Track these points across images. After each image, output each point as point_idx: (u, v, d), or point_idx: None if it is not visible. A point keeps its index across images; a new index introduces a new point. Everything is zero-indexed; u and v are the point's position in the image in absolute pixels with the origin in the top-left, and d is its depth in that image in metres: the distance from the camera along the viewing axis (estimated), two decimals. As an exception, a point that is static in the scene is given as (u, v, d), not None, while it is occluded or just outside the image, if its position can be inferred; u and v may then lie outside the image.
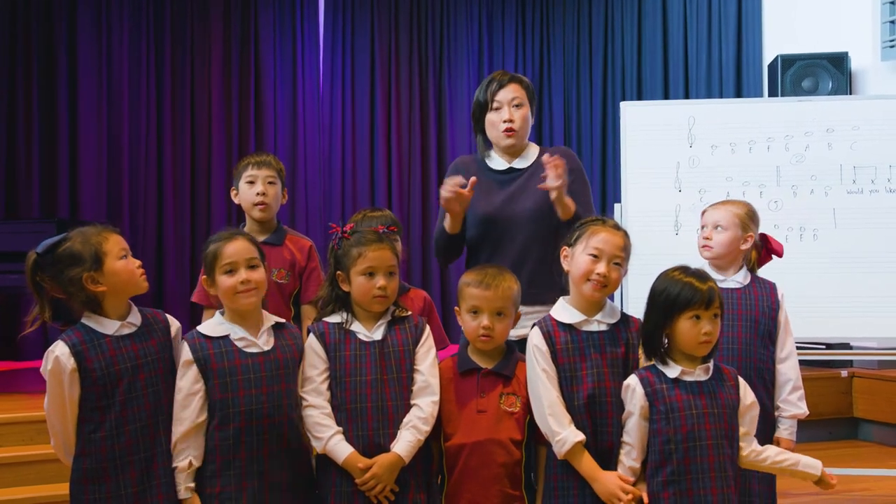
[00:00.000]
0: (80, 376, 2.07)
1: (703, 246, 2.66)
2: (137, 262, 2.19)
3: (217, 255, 2.18)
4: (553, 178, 2.50)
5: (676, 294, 2.10)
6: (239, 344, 2.17)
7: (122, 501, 2.09)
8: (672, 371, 2.11)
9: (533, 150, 2.81)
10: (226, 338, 2.18)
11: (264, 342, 2.20)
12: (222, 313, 2.23)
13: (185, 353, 2.17)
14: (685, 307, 2.08)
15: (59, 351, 2.08)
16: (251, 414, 2.13)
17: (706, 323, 2.08)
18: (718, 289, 2.13)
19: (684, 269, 2.16)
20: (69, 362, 2.06)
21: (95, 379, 2.08)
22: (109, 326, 2.13)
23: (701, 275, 2.15)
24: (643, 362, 2.21)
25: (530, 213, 2.67)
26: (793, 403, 2.56)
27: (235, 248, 2.18)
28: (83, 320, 2.14)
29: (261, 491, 2.13)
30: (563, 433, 2.11)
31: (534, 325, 2.26)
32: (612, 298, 2.51)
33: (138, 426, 2.11)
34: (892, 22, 5.03)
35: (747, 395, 2.16)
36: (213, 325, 2.21)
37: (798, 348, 2.68)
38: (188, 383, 2.15)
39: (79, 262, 2.10)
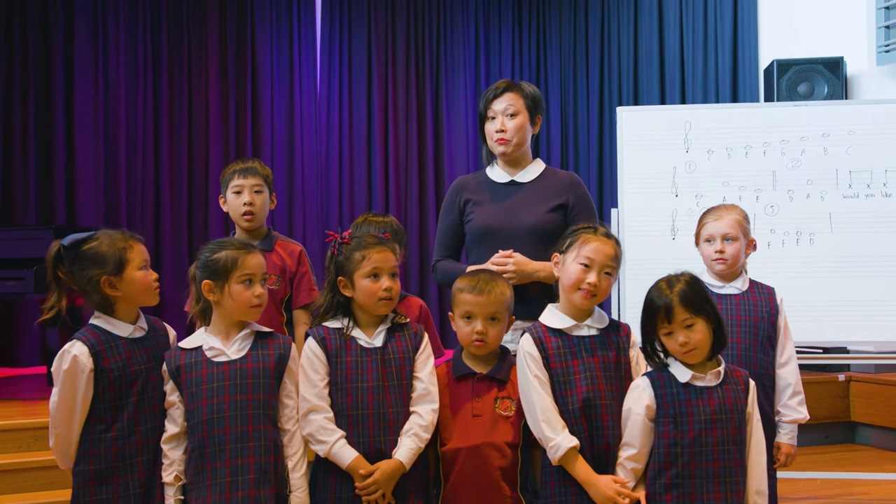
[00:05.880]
0: (95, 376, 2.08)
1: (717, 260, 2.60)
2: (155, 276, 2.24)
3: (238, 265, 2.16)
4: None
5: (647, 315, 2.14)
6: (208, 353, 2.16)
7: (130, 502, 2.09)
8: (683, 375, 2.11)
9: (537, 166, 2.81)
10: (198, 348, 2.18)
11: (235, 351, 2.16)
12: (206, 328, 2.22)
13: (163, 364, 2.19)
14: (658, 326, 2.12)
15: (78, 350, 2.08)
16: (212, 423, 2.09)
17: (679, 335, 2.09)
18: (680, 295, 2.09)
19: (657, 286, 2.16)
20: (88, 362, 2.08)
21: (112, 380, 2.10)
22: (123, 329, 2.17)
23: (662, 288, 2.13)
24: (635, 366, 2.23)
25: (530, 226, 2.67)
26: (793, 408, 2.56)
27: (257, 262, 2.19)
28: (95, 321, 2.16)
29: None
30: (557, 439, 2.11)
31: (524, 331, 2.26)
32: (609, 302, 2.52)
33: (148, 427, 2.14)
34: (887, 27, 5.05)
35: (754, 404, 2.16)
36: (191, 338, 2.22)
37: (795, 352, 2.67)
38: (168, 394, 2.18)
39: (101, 264, 2.14)
